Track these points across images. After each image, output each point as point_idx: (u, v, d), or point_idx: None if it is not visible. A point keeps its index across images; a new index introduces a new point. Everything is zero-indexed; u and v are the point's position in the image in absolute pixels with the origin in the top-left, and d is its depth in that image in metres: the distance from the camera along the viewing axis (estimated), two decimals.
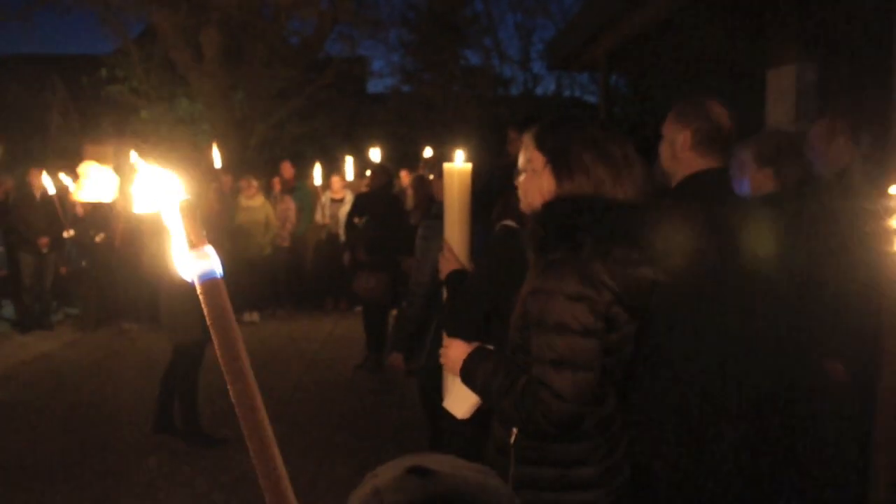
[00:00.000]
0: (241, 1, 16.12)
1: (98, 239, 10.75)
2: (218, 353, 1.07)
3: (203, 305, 1.08)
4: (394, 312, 9.32)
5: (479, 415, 2.78)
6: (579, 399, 2.19)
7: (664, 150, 3.20)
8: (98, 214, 10.76)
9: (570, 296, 2.19)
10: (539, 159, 2.38)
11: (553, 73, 22.20)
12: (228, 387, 1.08)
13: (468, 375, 2.49)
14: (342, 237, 11.10)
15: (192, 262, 1.08)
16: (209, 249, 1.08)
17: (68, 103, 20.15)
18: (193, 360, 6.47)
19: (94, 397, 8.08)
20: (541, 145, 2.40)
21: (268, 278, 12.07)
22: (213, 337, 1.08)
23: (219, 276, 1.08)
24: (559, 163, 2.33)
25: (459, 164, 3.10)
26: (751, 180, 3.76)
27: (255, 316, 11.59)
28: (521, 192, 2.51)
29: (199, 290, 1.08)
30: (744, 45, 7.85)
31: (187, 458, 6.32)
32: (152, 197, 1.12)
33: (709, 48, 8.24)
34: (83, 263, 11.12)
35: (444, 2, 20.72)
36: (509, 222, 3.57)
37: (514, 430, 2.38)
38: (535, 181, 2.40)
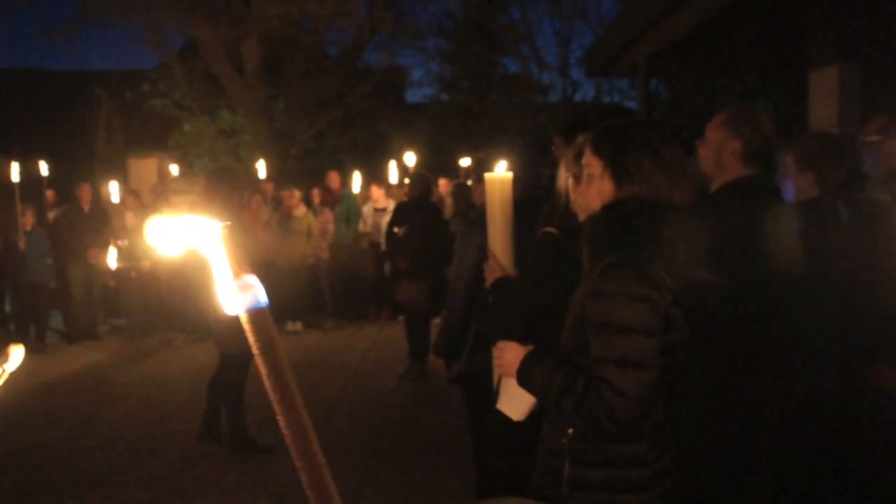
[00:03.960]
0: (281, 13, 16.28)
1: (145, 266, 10.94)
2: (266, 382, 1.08)
3: (249, 335, 1.09)
4: (436, 321, 9.34)
5: (527, 418, 2.79)
6: (642, 398, 2.22)
7: (707, 153, 3.19)
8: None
9: (633, 296, 2.21)
10: (597, 164, 2.42)
11: (592, 80, 22.11)
12: (278, 417, 1.10)
13: (525, 377, 2.50)
14: (384, 246, 11.15)
15: (237, 293, 1.09)
16: (252, 279, 1.10)
17: (113, 117, 20.47)
18: (240, 370, 6.54)
19: (141, 406, 8.20)
20: (599, 150, 2.43)
21: (311, 288, 12.14)
22: (261, 366, 1.09)
23: (264, 306, 1.10)
24: (618, 167, 2.37)
25: (501, 173, 3.12)
26: (793, 184, 3.73)
27: (298, 325, 11.67)
28: (576, 197, 2.53)
29: (245, 321, 1.09)
30: (785, 46, 7.78)
31: (234, 465, 6.38)
32: (182, 240, 1.13)
33: (749, 51, 8.17)
34: (131, 275, 11.28)
35: (482, 10, 20.74)
36: (551, 229, 3.58)
37: (569, 432, 2.40)
38: (593, 186, 2.43)
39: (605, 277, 2.28)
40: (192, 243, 1.13)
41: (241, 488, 5.96)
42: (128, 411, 8.03)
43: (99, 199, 12.40)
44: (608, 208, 2.37)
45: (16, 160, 11.15)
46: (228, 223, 1.10)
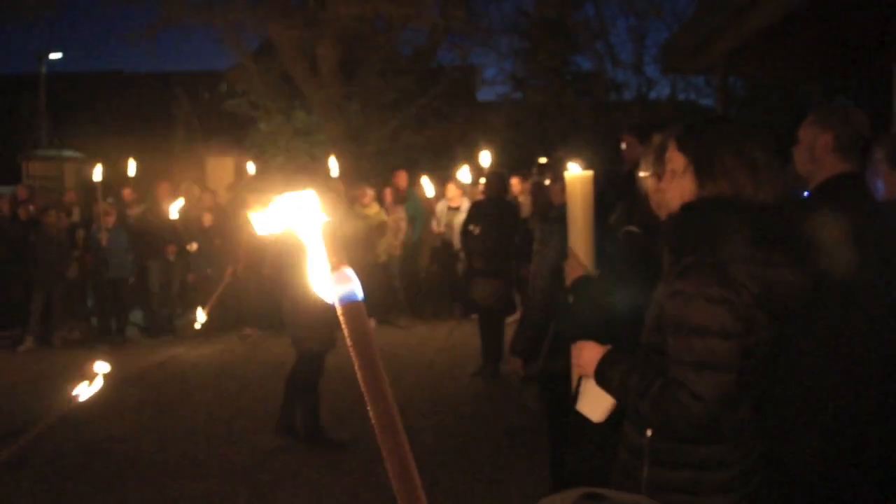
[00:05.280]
0: (356, 13, 16.41)
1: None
2: (358, 374, 1.09)
3: (344, 327, 1.10)
4: (511, 319, 9.31)
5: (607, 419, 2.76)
6: (718, 401, 2.18)
7: (800, 154, 3.16)
8: (224, 225, 11.16)
9: (710, 298, 2.18)
10: (680, 161, 2.39)
11: (667, 77, 21.78)
12: (369, 409, 1.10)
13: (603, 377, 2.49)
14: (457, 245, 11.15)
15: (334, 284, 1.10)
16: (350, 272, 1.10)
17: (191, 117, 20.89)
18: (316, 366, 6.62)
19: (218, 399, 8.35)
20: (683, 148, 2.40)
21: (384, 286, 12.21)
22: (354, 358, 1.09)
23: (360, 299, 1.10)
24: (702, 166, 2.34)
25: (581, 171, 3.10)
26: (884, 182, 3.62)
27: (371, 323, 11.71)
28: (657, 195, 2.50)
29: (340, 313, 1.10)
30: (868, 40, 7.56)
31: (308, 459, 6.46)
32: (288, 219, 1.15)
33: (830, 45, 7.96)
34: (208, 271, 11.50)
35: (555, 7, 20.60)
36: (633, 228, 3.54)
37: (648, 433, 2.37)
38: (675, 183, 2.40)
39: (684, 278, 2.25)
40: (290, 226, 1.14)
41: (315, 482, 6.03)
42: (205, 404, 8.19)
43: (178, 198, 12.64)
44: (688, 207, 2.34)
45: (99, 161, 11.47)
46: (330, 218, 1.11)
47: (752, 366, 2.28)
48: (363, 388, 1.10)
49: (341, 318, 1.10)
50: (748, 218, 2.24)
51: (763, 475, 2.41)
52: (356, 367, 1.10)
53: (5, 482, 4.69)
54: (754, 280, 2.20)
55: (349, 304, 1.10)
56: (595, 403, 2.74)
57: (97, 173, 11.12)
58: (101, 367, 2.71)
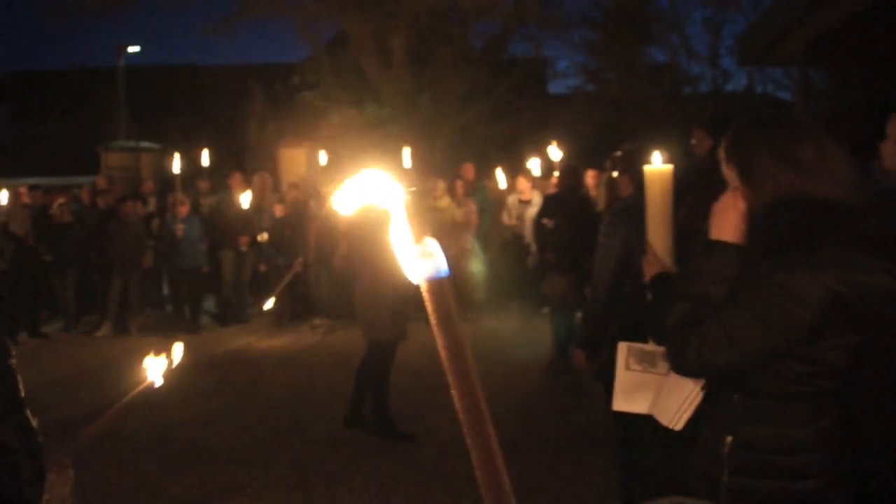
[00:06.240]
0: (429, 5, 16.40)
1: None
2: (442, 352, 1.04)
3: (428, 304, 1.06)
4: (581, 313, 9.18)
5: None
6: (719, 360, 2.26)
7: (889, 149, 3.01)
8: (295, 216, 11.26)
9: (792, 296, 2.16)
10: (731, 174, 2.40)
11: (744, 69, 21.29)
12: (452, 389, 1.06)
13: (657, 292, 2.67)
14: (528, 238, 11.05)
15: (419, 260, 1.05)
16: (434, 246, 1.06)
17: (264, 109, 21.13)
18: (386, 357, 6.62)
19: (288, 388, 8.42)
20: (729, 159, 2.41)
21: (454, 277, 12.14)
22: (438, 336, 1.05)
23: (444, 276, 1.06)
24: (745, 173, 2.35)
25: (660, 165, 3.02)
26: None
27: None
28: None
29: (424, 289, 1.05)
30: None
31: (378, 450, 6.46)
32: (369, 197, 1.10)
33: None
34: (279, 261, 11.62)
35: None
36: None
37: (728, 439, 2.33)
38: (735, 197, 2.39)
39: (772, 271, 2.22)
40: (370, 202, 1.10)
41: (384, 473, 6.02)
42: (276, 393, 8.26)
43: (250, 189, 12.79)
44: (775, 207, 2.28)
45: (176, 151, 11.67)
46: (413, 188, 1.06)
47: (827, 371, 2.24)
48: (447, 369, 1.05)
49: (425, 296, 1.05)
50: (842, 219, 2.19)
51: (853, 487, 2.35)
52: (440, 347, 1.06)
53: (83, 464, 4.75)
54: (847, 285, 2.14)
55: (434, 280, 1.05)
56: (671, 409, 2.71)
57: (176, 165, 11.32)
58: (175, 354, 2.72)
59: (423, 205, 11.81)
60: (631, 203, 4.42)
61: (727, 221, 2.39)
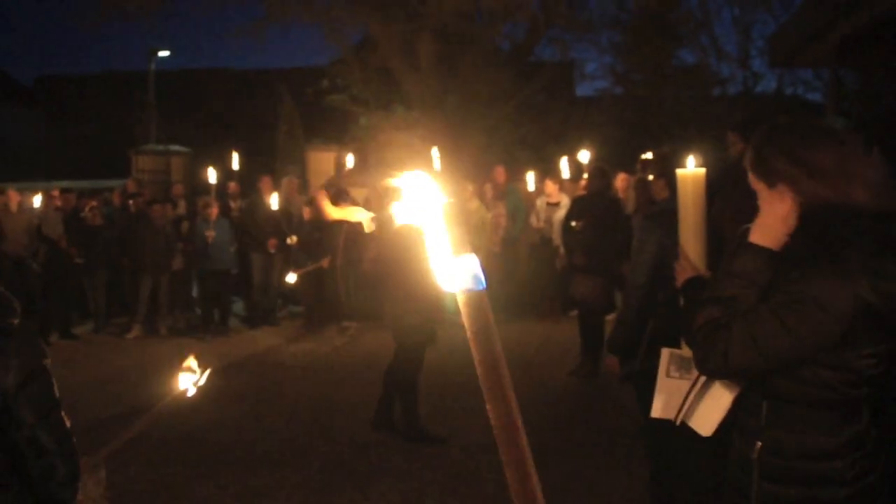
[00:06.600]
0: (456, 8, 16.40)
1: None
2: (477, 367, 1.04)
3: (464, 317, 1.05)
4: (611, 317, 9.12)
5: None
6: (743, 364, 2.26)
7: None
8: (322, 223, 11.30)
9: (821, 305, 2.15)
10: (757, 184, 2.40)
11: (774, 70, 21.09)
12: (487, 404, 1.05)
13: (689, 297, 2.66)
14: (556, 241, 11.01)
15: (456, 271, 1.04)
16: (473, 260, 1.04)
17: (293, 112, 21.21)
18: (415, 360, 6.62)
19: (317, 391, 8.44)
20: (753, 170, 2.40)
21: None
22: (474, 350, 1.04)
23: (482, 288, 1.04)
24: (764, 176, 2.35)
25: (692, 168, 2.99)
26: None
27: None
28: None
29: (461, 301, 1.04)
30: None
31: (406, 453, 6.46)
32: (406, 203, 1.09)
33: None
34: (308, 264, 11.64)
35: (657, 0, 20.17)
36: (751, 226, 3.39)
37: (758, 445, 2.33)
38: (779, 203, 2.36)
39: (804, 279, 2.21)
40: (406, 211, 1.09)
41: (413, 476, 6.02)
42: (305, 395, 8.28)
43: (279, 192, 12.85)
44: (806, 217, 2.28)
45: (203, 154, 11.76)
46: (451, 199, 1.05)
47: (856, 379, 2.22)
48: (482, 384, 1.04)
49: (462, 309, 1.04)
50: (873, 227, 2.17)
51: (884, 497, 2.33)
52: (476, 362, 1.04)
53: (113, 467, 4.78)
54: (879, 294, 2.13)
55: (472, 293, 1.04)
56: (706, 417, 2.69)
57: (212, 175, 11.41)
58: (206, 363, 2.74)
59: (452, 208, 11.80)
60: (666, 207, 4.39)
61: (767, 227, 2.36)
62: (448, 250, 1.05)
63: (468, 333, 1.04)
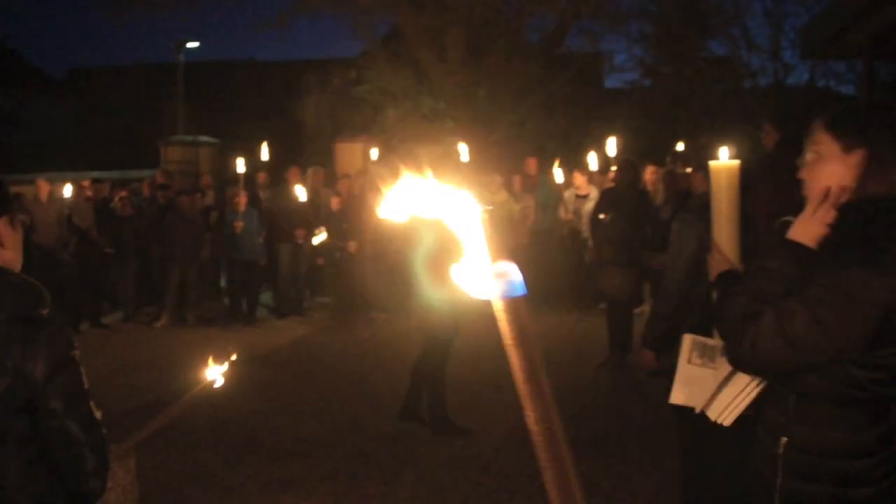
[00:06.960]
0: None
1: (351, 248, 11.27)
2: (515, 374, 1.02)
3: (502, 323, 1.03)
4: (639, 310, 9.06)
5: (738, 420, 2.69)
6: (776, 358, 2.19)
7: None
8: (351, 213, 11.31)
9: (851, 297, 2.11)
10: (828, 144, 2.29)
11: (805, 63, 20.83)
12: (526, 411, 1.03)
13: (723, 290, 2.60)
14: (585, 233, 10.96)
15: (493, 279, 1.02)
16: (510, 266, 1.02)
17: (321, 104, 21.27)
18: (443, 352, 6.60)
19: (345, 381, 8.45)
20: (838, 125, 2.30)
21: None
22: (512, 357, 1.03)
23: (521, 295, 1.02)
24: (846, 147, 2.25)
25: (726, 160, 2.95)
26: None
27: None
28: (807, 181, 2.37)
29: (499, 308, 1.02)
30: None
31: (433, 445, 6.45)
32: (442, 208, 1.07)
33: None
34: (336, 255, 11.67)
35: None
36: (790, 218, 3.33)
37: (783, 440, 2.30)
38: (824, 169, 2.30)
39: (838, 271, 2.17)
40: (443, 216, 1.07)
41: (439, 468, 6.01)
42: (332, 386, 8.29)
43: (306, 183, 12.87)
44: (848, 207, 2.23)
45: (233, 145, 11.80)
46: (489, 207, 1.03)
47: (888, 378, 2.18)
48: (521, 391, 1.02)
49: (500, 315, 1.02)
50: None
51: None
52: (514, 369, 1.02)
53: (143, 455, 4.83)
54: None
55: (510, 300, 1.02)
56: (728, 408, 2.68)
57: (240, 165, 11.44)
58: (233, 353, 2.74)
59: (479, 199, 11.76)
60: (706, 200, 4.35)
61: (808, 228, 2.32)
62: (485, 257, 1.02)
63: (506, 340, 1.03)
